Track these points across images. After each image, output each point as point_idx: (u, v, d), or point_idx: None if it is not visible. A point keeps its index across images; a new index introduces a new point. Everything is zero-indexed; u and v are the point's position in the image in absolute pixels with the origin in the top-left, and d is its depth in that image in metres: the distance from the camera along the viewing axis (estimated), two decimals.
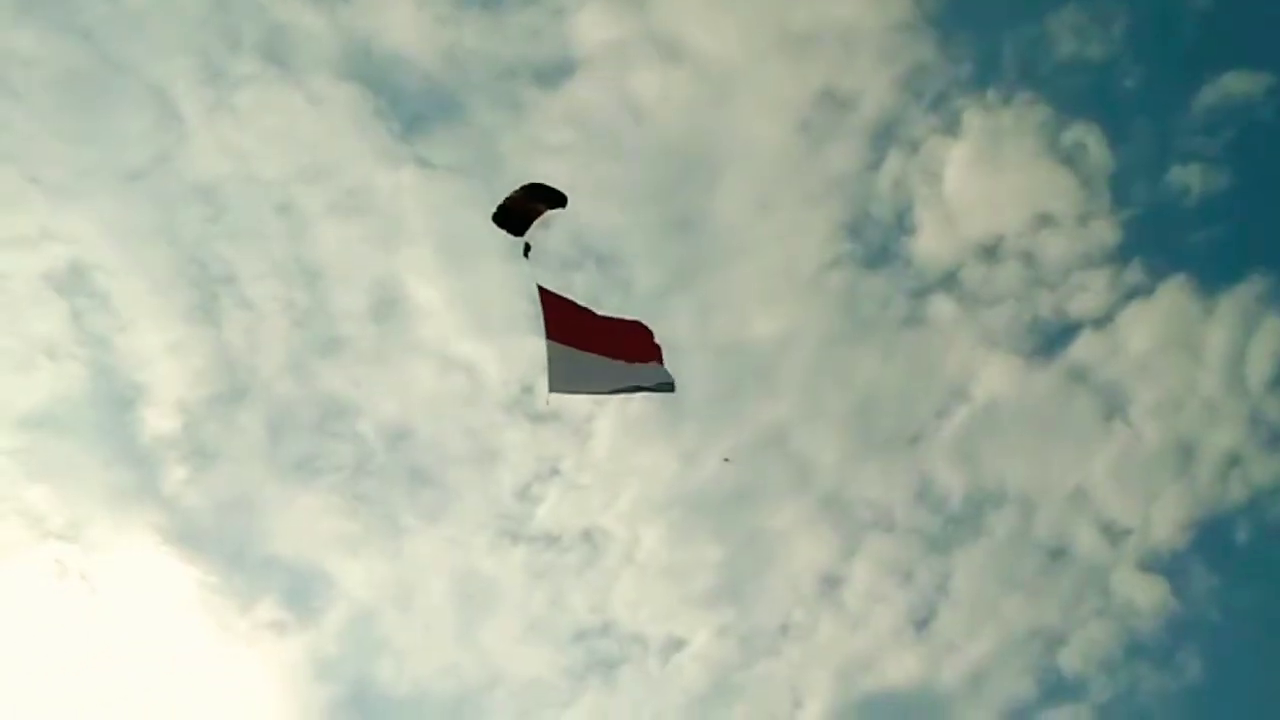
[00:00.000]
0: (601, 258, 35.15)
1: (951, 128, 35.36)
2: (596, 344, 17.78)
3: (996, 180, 35.31)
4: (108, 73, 31.94)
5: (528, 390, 34.21)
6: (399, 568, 33.76)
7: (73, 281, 32.09)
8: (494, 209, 17.85)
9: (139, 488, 32.39)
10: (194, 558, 32.12)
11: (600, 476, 34.72)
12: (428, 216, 34.13)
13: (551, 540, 34.17)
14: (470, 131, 34.59)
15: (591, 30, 34.28)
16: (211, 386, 33.04)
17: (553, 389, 17.17)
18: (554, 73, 34.52)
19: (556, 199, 17.83)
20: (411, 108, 34.42)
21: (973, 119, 35.19)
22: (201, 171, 32.97)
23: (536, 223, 17.86)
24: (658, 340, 18.34)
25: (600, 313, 18.21)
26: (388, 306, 34.28)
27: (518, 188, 17.65)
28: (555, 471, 34.51)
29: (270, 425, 33.54)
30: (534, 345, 34.11)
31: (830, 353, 36.24)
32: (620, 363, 17.89)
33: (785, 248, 36.28)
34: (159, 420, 32.33)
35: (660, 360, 18.20)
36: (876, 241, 36.06)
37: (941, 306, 35.35)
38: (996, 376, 34.89)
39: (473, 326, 34.34)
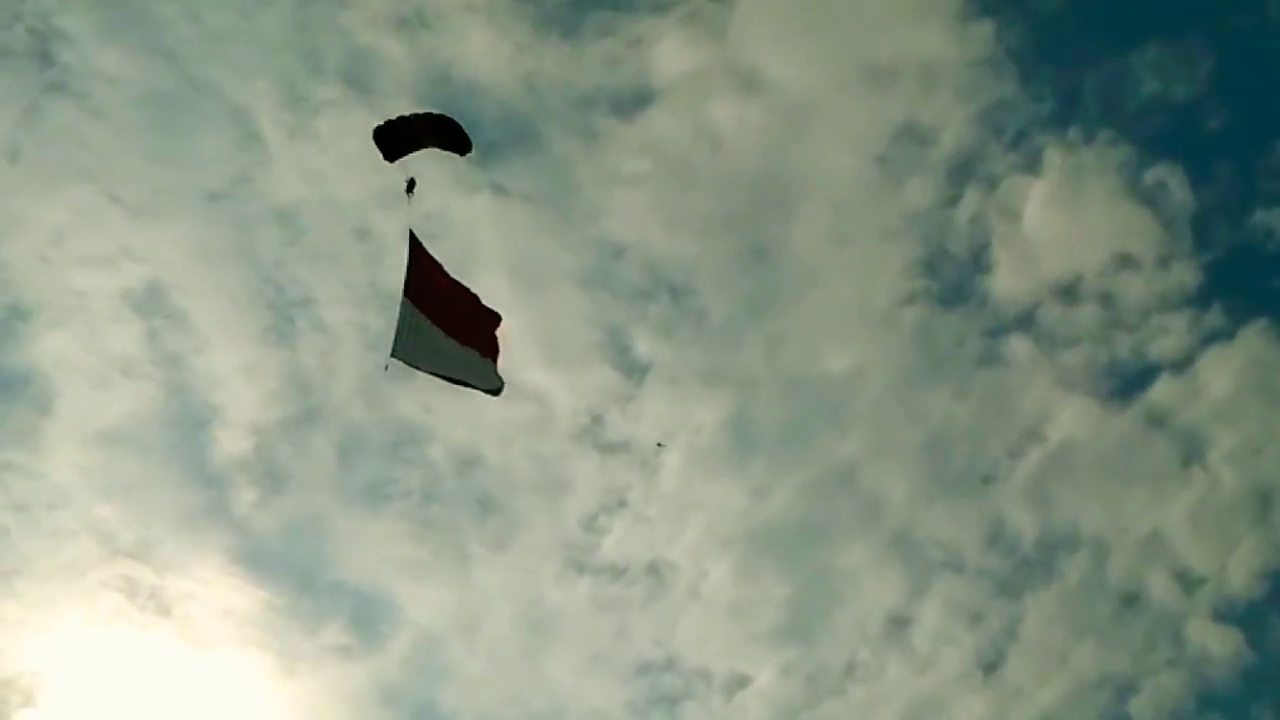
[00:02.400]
0: (675, 288, 35.17)
1: (1031, 165, 35.14)
2: (447, 320, 16.85)
3: (1076, 219, 35.01)
4: (190, 94, 32.24)
5: (597, 420, 34.12)
6: (465, 595, 33.87)
7: (150, 301, 32.42)
8: (380, 123, 16.53)
9: (210, 508, 32.69)
10: (262, 580, 32.33)
11: (668, 509, 34.64)
12: (502, 243, 34.10)
13: (618, 572, 34.11)
14: (546, 160, 34.58)
15: (670, 60, 34.30)
16: (284, 409, 33.25)
17: (395, 353, 16.18)
18: (631, 102, 34.55)
19: (457, 143, 16.67)
20: (489, 135, 34.24)
21: (1053, 157, 34.93)
22: (281, 194, 33.26)
23: (415, 155, 16.62)
24: (500, 336, 17.51)
25: (462, 286, 17.25)
26: None
27: (422, 111, 16.52)
28: (623, 503, 34.48)
29: (341, 449, 33.74)
30: (603, 376, 34.75)
31: (903, 390, 35.93)
32: (462, 348, 17.02)
33: (860, 282, 36.15)
34: (231, 442, 32.58)
35: (497, 357, 17.37)
36: (952, 279, 35.83)
37: (1017, 346, 35.09)
38: (1072, 418, 34.52)
39: (543, 355, 34.38)
